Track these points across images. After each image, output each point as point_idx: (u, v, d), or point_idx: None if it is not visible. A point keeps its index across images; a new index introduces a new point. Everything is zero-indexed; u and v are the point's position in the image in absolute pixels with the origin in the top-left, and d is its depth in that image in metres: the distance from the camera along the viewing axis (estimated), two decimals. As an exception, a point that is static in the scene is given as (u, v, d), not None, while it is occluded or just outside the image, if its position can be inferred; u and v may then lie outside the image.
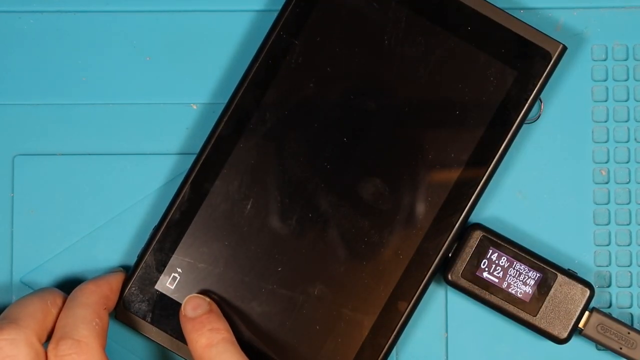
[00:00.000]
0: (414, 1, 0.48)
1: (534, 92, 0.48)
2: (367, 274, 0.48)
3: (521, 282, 0.48)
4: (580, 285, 0.48)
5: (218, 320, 0.47)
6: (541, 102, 0.50)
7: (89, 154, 0.50)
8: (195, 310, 0.47)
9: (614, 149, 0.50)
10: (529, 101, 0.48)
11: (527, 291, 0.48)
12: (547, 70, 0.47)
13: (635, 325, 0.50)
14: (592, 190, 0.50)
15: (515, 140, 0.48)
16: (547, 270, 0.48)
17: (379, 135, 0.48)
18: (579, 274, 0.49)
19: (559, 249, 0.50)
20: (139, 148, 0.50)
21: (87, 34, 0.51)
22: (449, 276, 0.48)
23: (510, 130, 0.48)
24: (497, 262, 0.48)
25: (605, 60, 0.51)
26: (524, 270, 0.48)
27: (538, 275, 0.48)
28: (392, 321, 0.48)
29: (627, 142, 0.50)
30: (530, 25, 0.48)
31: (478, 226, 0.49)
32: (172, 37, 0.51)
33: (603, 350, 0.50)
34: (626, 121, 0.51)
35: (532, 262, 0.48)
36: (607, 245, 0.50)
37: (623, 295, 0.50)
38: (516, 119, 0.48)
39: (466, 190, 0.48)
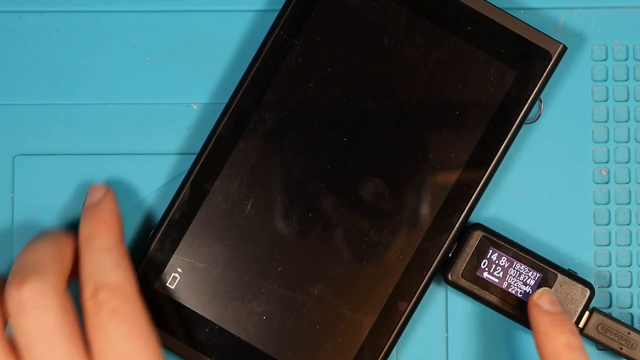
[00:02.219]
0: (414, 1, 0.48)
1: (534, 92, 0.48)
2: (367, 274, 0.48)
3: (521, 282, 0.48)
4: (580, 285, 0.48)
5: (573, 325, 0.46)
6: (541, 102, 0.50)
7: (89, 154, 0.50)
8: (553, 306, 0.47)
9: (614, 149, 0.50)
10: (529, 101, 0.48)
11: (528, 291, 0.48)
12: (547, 70, 0.48)
13: (636, 325, 0.50)
14: (592, 190, 0.50)
15: (515, 140, 0.48)
16: (547, 270, 0.48)
17: (379, 135, 0.48)
18: (579, 274, 0.49)
19: (559, 249, 0.50)
20: (139, 148, 0.50)
21: (87, 34, 0.51)
22: (449, 276, 0.48)
23: (510, 130, 0.48)
24: (497, 262, 0.48)
25: (605, 60, 0.51)
26: (524, 270, 0.48)
27: (538, 275, 0.48)
28: (392, 321, 0.48)
29: (627, 142, 0.50)
30: (530, 25, 0.48)
31: (478, 226, 0.49)
32: (172, 37, 0.51)
33: (603, 350, 0.50)
34: (626, 121, 0.51)
35: (532, 262, 0.48)
36: (607, 245, 0.50)
37: (623, 296, 0.50)
38: (516, 119, 0.48)
39: (466, 190, 0.48)
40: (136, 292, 0.45)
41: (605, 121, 0.51)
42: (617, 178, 0.50)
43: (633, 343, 0.48)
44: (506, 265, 0.48)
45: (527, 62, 0.48)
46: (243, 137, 0.48)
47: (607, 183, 0.50)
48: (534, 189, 0.50)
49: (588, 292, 0.48)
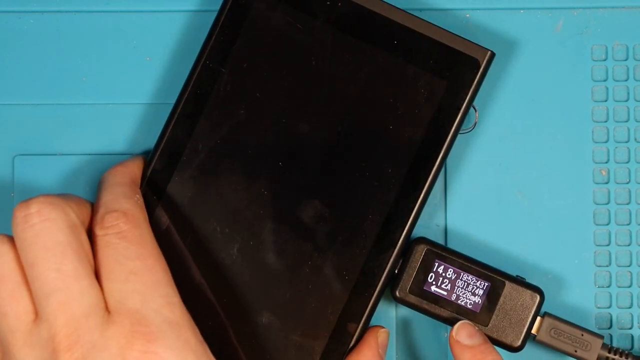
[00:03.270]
0: (339, 20, 0.47)
1: (466, 100, 0.47)
2: (313, 298, 0.47)
3: (470, 293, 0.48)
4: (529, 291, 0.48)
5: (496, 352, 0.46)
6: (475, 110, 0.50)
7: (89, 154, 0.50)
8: (472, 338, 0.47)
9: (614, 149, 0.50)
10: (461, 110, 0.47)
11: (477, 301, 0.48)
12: (477, 77, 0.47)
13: (636, 326, 0.50)
14: (592, 190, 0.50)
15: (515, 140, 0.48)
16: (495, 278, 0.48)
17: (314, 157, 0.47)
18: (527, 280, 0.49)
19: (558, 249, 0.50)
20: (139, 148, 0.50)
21: (87, 34, 0.51)
22: (397, 293, 0.48)
23: (445, 140, 0.47)
24: (443, 274, 0.48)
25: (605, 60, 0.51)
26: (472, 280, 0.48)
27: (486, 284, 0.48)
28: (343, 344, 0.47)
29: (627, 142, 0.50)
30: (457, 35, 0.47)
31: (422, 240, 0.48)
32: (172, 37, 0.51)
33: (559, 354, 0.49)
34: (626, 121, 0.51)
35: (480, 272, 0.48)
36: (607, 245, 0.50)
37: (623, 296, 0.50)
38: (450, 129, 0.47)
39: (406, 205, 0.47)
40: (146, 220, 0.45)
41: (605, 121, 0.50)
42: (617, 178, 0.50)
43: (587, 344, 0.48)
44: (453, 277, 0.48)
45: (457, 71, 0.47)
46: (177, 170, 0.48)
47: (607, 183, 0.50)
48: (533, 189, 0.50)
49: (538, 298, 0.48)
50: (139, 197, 0.46)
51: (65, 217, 0.43)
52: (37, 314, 0.43)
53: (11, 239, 0.44)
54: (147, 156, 0.49)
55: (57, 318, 0.42)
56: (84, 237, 0.44)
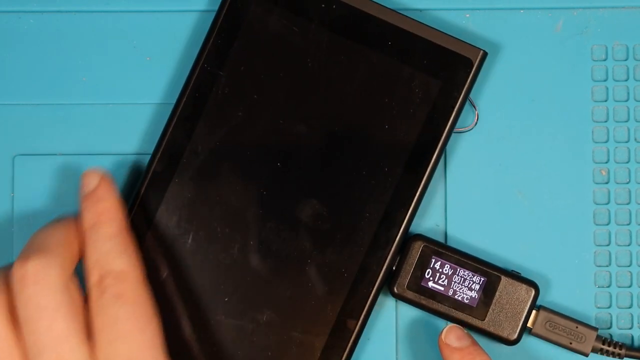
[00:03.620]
0: (334, 22, 0.48)
1: (460, 99, 0.48)
2: (313, 296, 0.48)
3: (466, 288, 0.48)
4: (524, 285, 0.48)
5: (484, 353, 0.47)
6: (475, 109, 0.50)
7: (89, 154, 0.50)
8: (461, 341, 0.47)
9: (614, 149, 0.50)
10: (455, 109, 0.48)
11: (474, 296, 0.48)
12: (470, 77, 0.48)
13: (636, 327, 0.50)
14: (592, 190, 0.50)
15: (515, 140, 0.48)
16: (491, 273, 0.48)
17: (311, 157, 0.48)
18: (522, 274, 0.49)
19: (558, 248, 0.50)
20: (139, 148, 0.50)
21: (87, 34, 0.51)
22: (395, 289, 0.48)
23: (440, 140, 0.48)
24: (440, 270, 0.49)
25: (605, 60, 0.51)
26: (468, 275, 0.48)
27: (482, 279, 0.48)
28: (343, 340, 0.48)
29: (627, 142, 0.50)
30: (450, 35, 0.48)
31: (419, 237, 0.49)
32: (172, 37, 0.51)
33: (554, 346, 0.50)
34: (626, 121, 0.51)
35: (475, 267, 0.48)
36: (607, 245, 0.50)
37: (623, 296, 0.50)
38: (445, 128, 0.48)
39: (403, 202, 0.48)
40: (142, 278, 0.45)
41: (605, 121, 0.50)
42: (617, 178, 0.50)
43: (582, 337, 0.49)
44: (450, 273, 0.48)
45: (450, 71, 0.48)
46: (177, 172, 0.48)
47: (607, 183, 0.50)
48: (533, 189, 0.50)
49: (533, 291, 0.48)
50: (130, 245, 0.46)
51: (59, 280, 0.44)
52: None
53: (6, 291, 0.44)
54: (147, 154, 0.49)
55: None
56: (77, 295, 0.44)
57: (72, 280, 0.44)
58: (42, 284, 0.43)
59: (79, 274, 0.45)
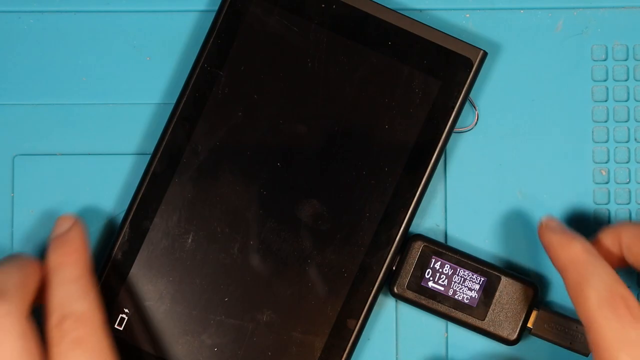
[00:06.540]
0: (334, 22, 0.48)
1: (460, 99, 0.48)
2: (313, 296, 0.48)
3: (466, 288, 0.48)
4: (524, 285, 0.48)
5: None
6: (476, 109, 0.50)
7: (89, 154, 0.50)
8: (562, 228, 0.47)
9: (614, 149, 0.50)
10: (455, 109, 0.48)
11: (474, 296, 0.48)
12: (470, 76, 0.48)
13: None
14: (592, 190, 0.50)
15: (515, 140, 0.48)
16: (491, 273, 0.48)
17: (311, 157, 0.48)
18: (522, 275, 0.49)
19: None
20: (139, 148, 0.50)
21: (87, 34, 0.51)
22: (395, 289, 0.48)
23: (440, 139, 0.48)
24: (440, 270, 0.49)
25: (605, 60, 0.51)
26: (468, 275, 0.48)
27: (482, 279, 0.48)
28: (343, 340, 0.48)
29: (627, 142, 0.50)
30: (450, 35, 0.48)
31: (419, 237, 0.49)
32: (172, 37, 0.51)
33: (554, 346, 0.50)
34: (626, 121, 0.51)
35: (475, 267, 0.49)
36: (607, 245, 0.50)
37: (623, 296, 0.50)
38: (445, 128, 0.48)
39: (403, 202, 0.48)
40: (102, 323, 0.45)
41: (605, 121, 0.51)
42: (617, 178, 0.50)
43: (582, 337, 0.48)
44: (450, 273, 0.49)
45: (450, 70, 0.48)
46: (177, 172, 0.48)
47: (607, 183, 0.50)
48: (533, 189, 0.50)
49: (532, 291, 0.48)
50: (91, 289, 0.45)
51: (17, 327, 0.43)
52: None
53: None
54: (147, 154, 0.49)
55: None
56: (35, 341, 0.44)
57: (29, 324, 0.44)
58: (4, 332, 0.43)
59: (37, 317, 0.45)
